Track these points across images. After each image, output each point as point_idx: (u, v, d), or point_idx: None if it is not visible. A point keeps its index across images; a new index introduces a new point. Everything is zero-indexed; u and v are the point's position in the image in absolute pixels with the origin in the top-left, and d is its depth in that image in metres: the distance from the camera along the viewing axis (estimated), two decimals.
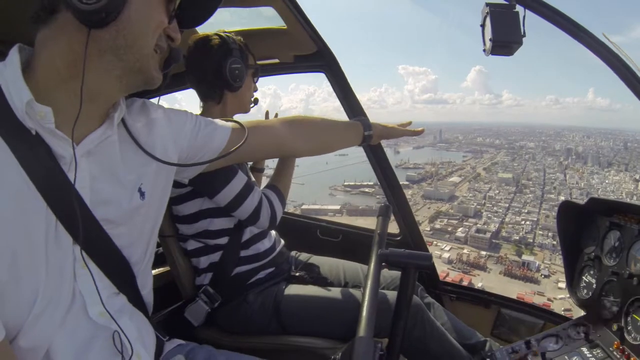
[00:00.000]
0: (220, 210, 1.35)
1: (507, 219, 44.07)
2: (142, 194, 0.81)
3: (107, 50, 0.66)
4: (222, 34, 1.39)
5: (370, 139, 1.38)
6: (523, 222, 42.85)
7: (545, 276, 31.72)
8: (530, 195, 50.54)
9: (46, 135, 0.66)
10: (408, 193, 50.81)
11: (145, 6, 0.67)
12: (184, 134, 0.92)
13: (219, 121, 1.02)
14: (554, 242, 36.05)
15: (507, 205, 47.46)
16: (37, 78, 0.65)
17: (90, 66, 0.65)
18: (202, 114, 1.48)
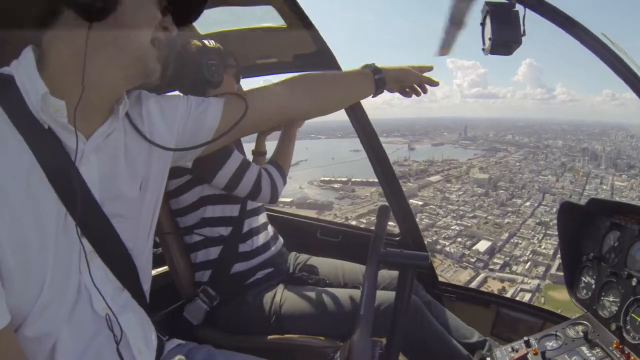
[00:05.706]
0: (221, 197, 1.39)
1: (440, 222, 41.01)
2: (143, 184, 0.84)
3: (108, 41, 0.68)
4: (198, 41, 1.41)
5: (384, 83, 1.18)
6: (454, 227, 39.63)
7: None
8: (491, 200, 47.22)
9: (58, 129, 0.68)
10: (371, 190, 49.83)
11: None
12: (177, 118, 0.91)
13: (212, 98, 0.99)
14: (465, 252, 34.05)
15: (455, 207, 44.68)
16: (48, 75, 0.67)
17: (94, 58, 0.67)
18: None
